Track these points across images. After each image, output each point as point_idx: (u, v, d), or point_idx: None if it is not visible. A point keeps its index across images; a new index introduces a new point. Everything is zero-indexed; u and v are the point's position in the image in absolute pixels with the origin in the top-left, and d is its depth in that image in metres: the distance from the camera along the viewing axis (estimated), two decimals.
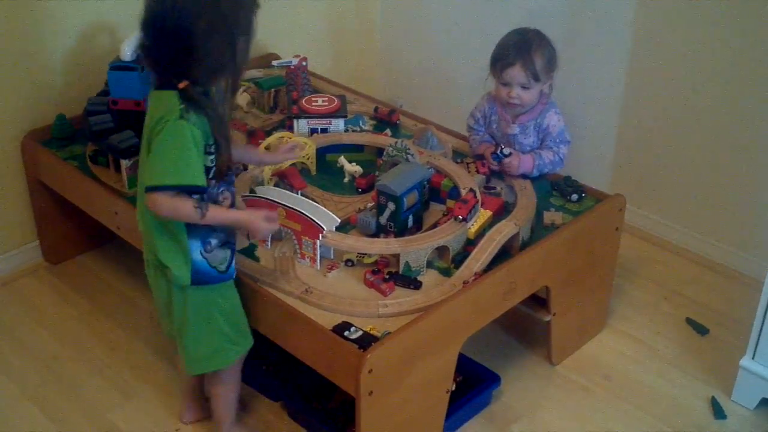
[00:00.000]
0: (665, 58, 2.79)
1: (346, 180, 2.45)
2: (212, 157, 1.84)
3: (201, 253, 1.89)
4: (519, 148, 2.48)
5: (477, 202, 2.21)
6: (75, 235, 2.85)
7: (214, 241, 1.90)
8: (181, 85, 1.79)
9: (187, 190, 1.80)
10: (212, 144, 1.83)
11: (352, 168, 2.45)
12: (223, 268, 1.93)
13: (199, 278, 1.90)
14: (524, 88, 2.39)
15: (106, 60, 2.49)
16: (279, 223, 2.03)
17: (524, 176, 2.42)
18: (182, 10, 1.74)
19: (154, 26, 1.79)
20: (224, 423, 2.15)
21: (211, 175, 1.86)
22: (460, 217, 2.14)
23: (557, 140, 2.45)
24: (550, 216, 2.29)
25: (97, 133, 2.45)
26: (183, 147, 1.77)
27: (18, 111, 2.68)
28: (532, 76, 2.36)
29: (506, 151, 2.39)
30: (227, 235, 1.94)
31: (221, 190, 1.90)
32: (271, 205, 2.09)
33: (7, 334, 2.57)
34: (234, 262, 1.97)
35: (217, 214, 1.85)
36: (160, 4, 1.78)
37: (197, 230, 1.87)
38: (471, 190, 2.24)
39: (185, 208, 1.79)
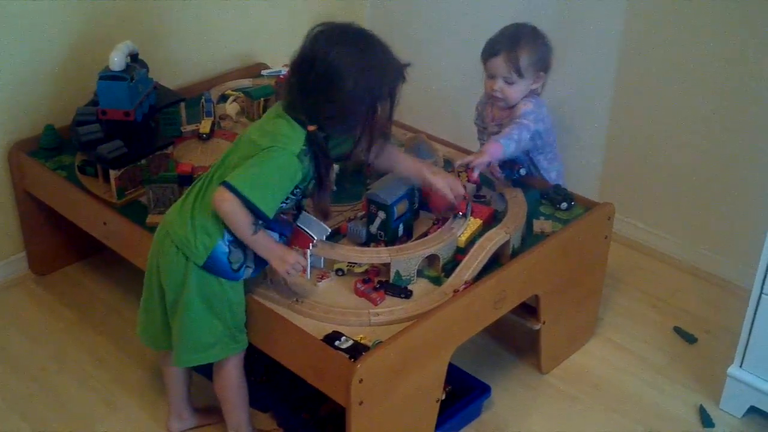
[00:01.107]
0: (654, 68, 2.81)
1: None
2: (293, 198, 1.93)
3: (228, 244, 1.92)
4: None
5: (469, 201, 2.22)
6: (62, 247, 2.84)
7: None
8: (310, 128, 1.88)
9: (254, 211, 1.85)
10: (303, 188, 1.94)
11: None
12: (236, 267, 1.94)
13: (213, 266, 1.92)
14: (508, 82, 2.36)
15: (95, 70, 2.48)
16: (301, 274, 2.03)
17: (511, 176, 2.41)
18: (333, 62, 1.82)
19: (302, 68, 1.87)
20: (241, 428, 2.13)
21: (287, 206, 1.94)
22: (460, 213, 2.14)
23: (520, 116, 2.34)
24: (540, 224, 2.29)
25: (86, 143, 2.44)
26: (281, 179, 1.87)
27: (6, 121, 2.66)
28: (515, 70, 2.33)
29: (522, 171, 2.39)
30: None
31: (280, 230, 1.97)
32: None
33: None
34: (245, 267, 1.97)
35: (262, 240, 1.91)
36: (314, 50, 1.85)
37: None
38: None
39: (243, 219, 1.86)
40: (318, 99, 1.86)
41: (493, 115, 2.47)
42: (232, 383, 2.07)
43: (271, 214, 1.86)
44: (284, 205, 1.92)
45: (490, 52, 2.37)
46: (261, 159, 1.85)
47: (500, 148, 2.27)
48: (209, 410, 2.27)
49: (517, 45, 2.33)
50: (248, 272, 1.98)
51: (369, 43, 1.89)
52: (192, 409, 2.24)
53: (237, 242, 1.92)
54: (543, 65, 2.38)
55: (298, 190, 1.93)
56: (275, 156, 1.85)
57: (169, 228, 1.96)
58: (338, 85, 1.83)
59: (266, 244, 1.92)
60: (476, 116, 2.57)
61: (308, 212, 2.16)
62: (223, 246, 1.91)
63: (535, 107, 2.38)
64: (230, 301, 1.97)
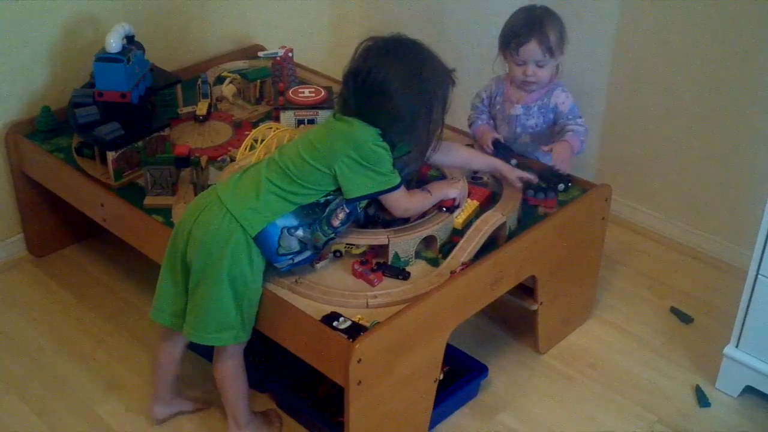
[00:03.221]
0: (650, 48, 2.81)
1: None
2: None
3: (284, 229, 1.93)
4: (522, 129, 2.49)
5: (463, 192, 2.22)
6: (60, 228, 2.84)
7: (300, 232, 1.95)
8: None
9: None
10: None
11: None
12: (282, 252, 1.94)
13: (263, 240, 1.92)
14: (539, 65, 2.40)
15: (91, 51, 2.48)
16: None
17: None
18: (388, 75, 1.94)
19: (356, 81, 1.97)
20: (240, 415, 2.10)
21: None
22: (445, 208, 2.15)
23: (570, 116, 2.48)
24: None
25: (83, 125, 2.44)
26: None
27: (2, 103, 2.66)
28: (548, 51, 2.38)
29: (513, 162, 2.40)
30: (312, 243, 1.98)
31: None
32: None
33: None
34: (290, 257, 1.97)
35: (433, 195, 2.14)
36: (367, 64, 1.96)
37: (303, 213, 1.95)
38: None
39: (417, 200, 2.09)
40: (375, 108, 1.95)
41: (518, 98, 2.49)
42: (233, 371, 2.06)
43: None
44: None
45: (519, 40, 2.39)
46: (368, 157, 1.94)
47: (580, 144, 2.45)
48: (195, 397, 2.26)
49: (544, 27, 2.38)
50: (287, 263, 1.98)
51: (418, 53, 2.00)
52: (178, 393, 2.22)
53: (294, 231, 1.94)
54: (565, 39, 2.43)
55: None
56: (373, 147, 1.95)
57: (221, 193, 1.95)
58: (394, 95, 1.93)
59: (435, 193, 2.12)
60: (484, 103, 2.56)
61: None
62: (277, 227, 1.92)
63: (568, 95, 2.49)
64: (252, 289, 1.96)
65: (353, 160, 1.93)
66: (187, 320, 2.01)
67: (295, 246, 1.95)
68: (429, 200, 2.11)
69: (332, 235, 2.01)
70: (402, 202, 2.05)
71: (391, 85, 1.92)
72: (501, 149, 2.43)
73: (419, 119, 1.98)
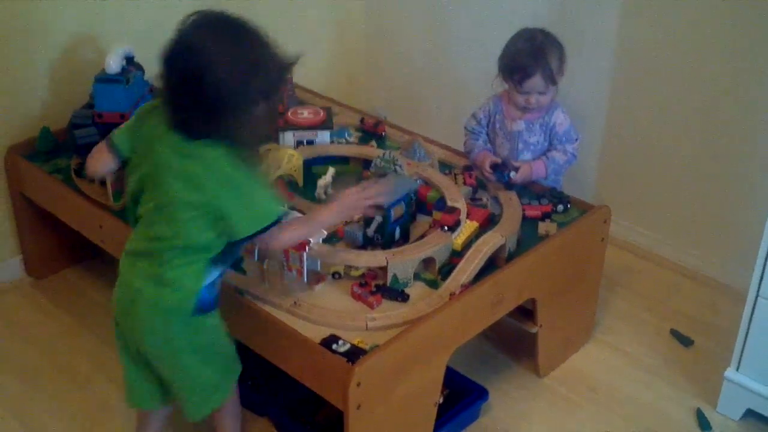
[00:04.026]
0: (649, 70, 2.82)
1: (316, 194, 2.43)
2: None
3: (214, 283, 1.85)
4: (523, 146, 2.50)
5: (461, 212, 2.22)
6: (59, 250, 2.83)
7: (224, 270, 1.88)
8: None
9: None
10: None
11: (322, 181, 2.43)
12: (215, 291, 1.88)
13: (201, 306, 1.82)
14: (541, 93, 2.42)
15: (90, 73, 2.48)
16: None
17: (501, 179, 2.44)
18: (199, 51, 1.67)
19: (170, 63, 1.74)
20: None
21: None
22: (447, 227, 2.15)
23: (563, 139, 2.49)
24: (545, 226, 2.30)
25: (82, 146, 2.44)
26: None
27: (1, 124, 2.66)
28: (550, 81, 2.40)
29: (512, 173, 2.41)
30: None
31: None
32: None
33: None
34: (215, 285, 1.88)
35: (323, 216, 1.94)
36: (180, 39, 1.73)
37: (224, 258, 1.82)
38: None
39: (298, 231, 1.87)
40: (185, 99, 1.70)
41: (519, 114, 2.50)
42: (228, 407, 2.02)
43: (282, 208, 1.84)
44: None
45: (524, 73, 2.39)
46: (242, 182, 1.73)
47: (545, 174, 2.46)
48: None
49: (546, 58, 2.38)
50: (217, 288, 1.88)
51: (243, 33, 1.73)
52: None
53: (214, 261, 1.81)
54: (564, 64, 2.44)
55: None
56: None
57: (136, 294, 1.81)
58: (205, 80, 1.64)
59: (329, 213, 1.93)
60: (482, 123, 2.56)
61: (304, 214, 2.16)
62: (206, 286, 1.82)
63: (566, 117, 2.50)
64: (218, 340, 1.89)
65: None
66: (182, 405, 1.93)
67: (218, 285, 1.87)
68: (320, 224, 1.92)
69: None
70: (284, 239, 1.85)
71: (203, 65, 1.65)
72: (499, 168, 2.43)
73: (233, 114, 1.70)
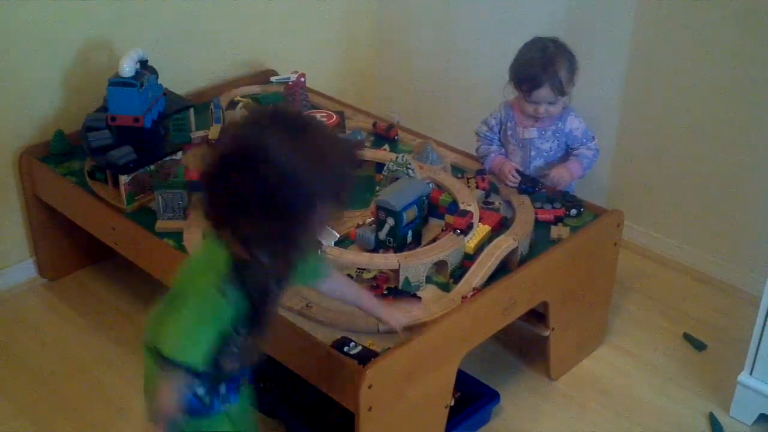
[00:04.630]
0: (662, 75, 2.81)
1: None
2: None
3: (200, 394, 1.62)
4: (536, 153, 2.50)
5: (474, 216, 2.22)
6: (72, 251, 2.84)
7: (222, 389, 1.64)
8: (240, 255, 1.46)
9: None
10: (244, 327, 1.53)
11: None
12: (207, 401, 1.63)
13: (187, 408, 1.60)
14: (550, 103, 2.42)
15: (104, 76, 2.50)
16: None
17: (527, 191, 2.45)
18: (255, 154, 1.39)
19: (221, 168, 1.45)
20: None
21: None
22: (459, 230, 2.15)
23: (584, 140, 2.50)
24: (557, 230, 2.29)
25: (96, 149, 2.45)
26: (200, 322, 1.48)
27: (16, 126, 2.68)
28: (559, 92, 2.40)
29: (540, 187, 2.44)
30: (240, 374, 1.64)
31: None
32: None
33: (2, 351, 2.55)
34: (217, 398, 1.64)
35: None
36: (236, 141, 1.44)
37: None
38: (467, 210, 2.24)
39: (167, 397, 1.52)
40: (232, 203, 1.43)
41: (531, 122, 2.50)
42: None
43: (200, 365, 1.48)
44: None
45: (532, 84, 2.40)
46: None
47: (582, 171, 2.48)
48: None
49: (555, 69, 2.38)
50: (228, 399, 1.65)
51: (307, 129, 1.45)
52: None
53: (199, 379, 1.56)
54: (575, 74, 2.43)
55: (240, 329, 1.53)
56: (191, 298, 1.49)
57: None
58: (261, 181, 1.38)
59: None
60: (494, 130, 2.55)
61: None
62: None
63: (581, 120, 2.51)
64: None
65: None
66: None
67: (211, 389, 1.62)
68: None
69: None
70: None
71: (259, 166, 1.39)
72: (526, 180, 2.43)
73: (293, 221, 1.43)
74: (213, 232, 1.49)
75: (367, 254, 2.13)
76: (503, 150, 2.56)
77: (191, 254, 1.63)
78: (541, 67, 2.38)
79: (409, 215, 2.16)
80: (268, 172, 1.37)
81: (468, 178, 2.48)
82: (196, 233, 2.27)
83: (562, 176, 2.44)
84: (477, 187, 2.44)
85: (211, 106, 2.81)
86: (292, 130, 1.41)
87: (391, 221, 2.13)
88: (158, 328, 1.51)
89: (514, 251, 2.17)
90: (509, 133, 2.54)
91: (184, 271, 1.58)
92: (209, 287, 1.46)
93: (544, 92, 2.39)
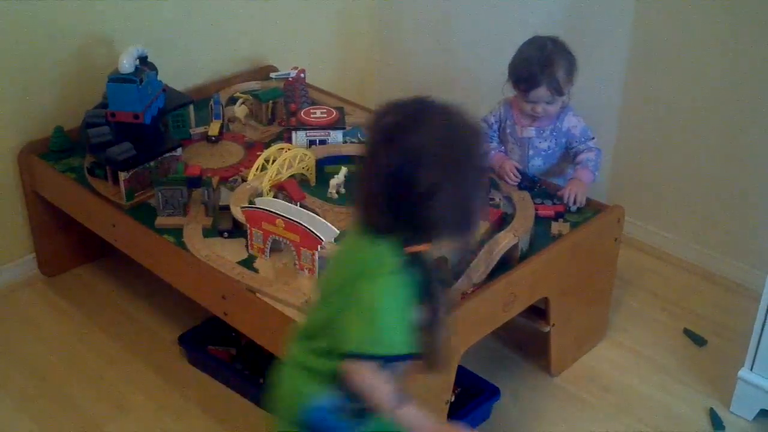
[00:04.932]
0: (662, 70, 2.81)
1: (328, 194, 2.43)
2: None
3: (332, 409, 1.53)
4: (534, 152, 2.49)
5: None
6: (72, 248, 2.84)
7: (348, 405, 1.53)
8: (416, 249, 1.44)
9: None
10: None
11: (334, 181, 2.44)
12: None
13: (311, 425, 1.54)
14: (548, 103, 2.41)
15: (104, 72, 2.49)
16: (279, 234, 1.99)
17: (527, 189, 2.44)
18: (413, 157, 1.37)
19: (383, 174, 1.39)
20: None
21: None
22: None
23: (582, 139, 2.49)
24: (557, 226, 2.29)
25: (96, 145, 2.45)
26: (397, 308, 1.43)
27: (15, 123, 2.67)
28: (557, 92, 2.39)
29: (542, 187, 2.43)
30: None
31: None
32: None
33: (2, 347, 2.55)
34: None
35: (410, 416, 1.46)
36: (387, 151, 1.39)
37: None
38: None
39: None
40: (403, 205, 1.40)
41: (529, 121, 2.48)
42: None
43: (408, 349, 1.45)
44: None
45: (529, 83, 2.39)
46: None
47: (593, 176, 2.45)
48: None
49: (553, 69, 2.36)
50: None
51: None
52: None
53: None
54: (573, 74, 2.42)
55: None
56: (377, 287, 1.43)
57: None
58: (422, 182, 1.37)
59: (418, 421, 1.47)
60: (493, 128, 2.55)
61: (317, 214, 2.17)
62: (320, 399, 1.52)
63: (579, 118, 2.50)
64: None
65: None
66: None
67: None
68: (415, 419, 1.48)
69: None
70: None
71: (418, 170, 1.37)
72: (526, 179, 2.43)
73: (456, 209, 1.44)
74: (372, 231, 1.44)
75: None
76: (503, 147, 2.56)
77: (340, 262, 1.53)
78: (538, 66, 2.37)
79: None
80: (451, 129, 1.41)
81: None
82: (195, 230, 2.27)
83: (577, 191, 2.37)
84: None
85: (211, 102, 2.81)
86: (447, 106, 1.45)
87: None
88: (338, 337, 1.45)
89: (514, 247, 2.17)
90: (508, 131, 2.53)
91: (339, 278, 1.51)
92: (391, 281, 1.42)
93: (542, 92, 2.38)
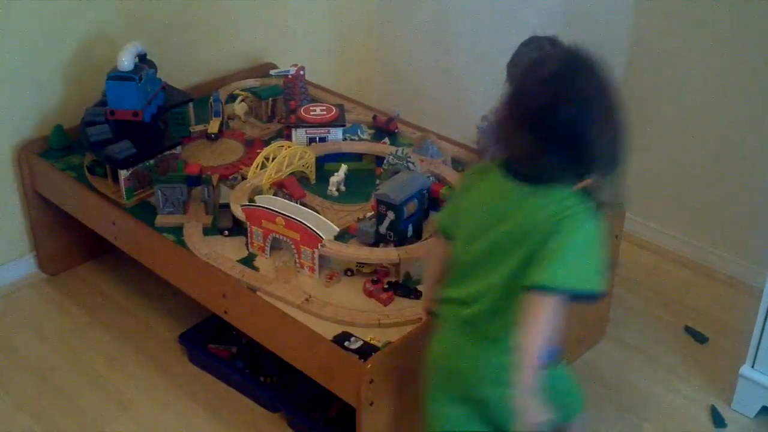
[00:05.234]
0: (661, 69, 2.80)
1: (328, 192, 2.43)
2: None
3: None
4: None
5: None
6: (72, 247, 2.84)
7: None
8: (582, 185, 1.54)
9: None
10: None
11: (334, 179, 2.44)
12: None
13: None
14: None
15: (103, 70, 2.49)
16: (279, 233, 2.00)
17: None
18: (571, 103, 1.47)
19: (544, 124, 1.48)
20: None
21: None
22: None
23: None
24: None
25: (95, 143, 2.44)
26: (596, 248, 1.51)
27: (15, 121, 2.67)
28: None
29: None
30: None
31: None
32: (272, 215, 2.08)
33: (3, 346, 2.55)
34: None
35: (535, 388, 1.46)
36: (547, 98, 1.48)
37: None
38: None
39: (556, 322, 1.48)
40: (571, 150, 1.50)
41: None
42: None
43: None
44: None
45: None
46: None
47: None
48: None
49: None
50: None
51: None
52: None
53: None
54: None
55: None
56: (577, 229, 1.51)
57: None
58: (588, 125, 1.49)
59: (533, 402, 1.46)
60: (488, 126, 2.54)
61: (317, 212, 2.17)
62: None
63: None
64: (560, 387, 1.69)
65: None
66: None
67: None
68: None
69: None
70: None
71: (582, 115, 1.49)
72: None
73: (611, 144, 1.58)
74: (536, 179, 1.52)
75: (368, 248, 2.12)
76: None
77: (503, 217, 1.56)
78: None
79: (409, 209, 2.15)
80: (603, 72, 1.55)
81: None
82: (196, 228, 2.27)
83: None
84: None
85: (211, 100, 2.80)
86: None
87: (391, 215, 2.12)
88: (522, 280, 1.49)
89: None
90: None
91: (514, 230, 1.54)
92: (588, 221, 1.51)
93: None
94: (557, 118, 1.47)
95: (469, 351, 1.64)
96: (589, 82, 1.52)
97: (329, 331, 1.92)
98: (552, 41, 2.39)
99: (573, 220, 1.50)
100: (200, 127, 2.72)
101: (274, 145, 2.44)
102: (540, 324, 1.46)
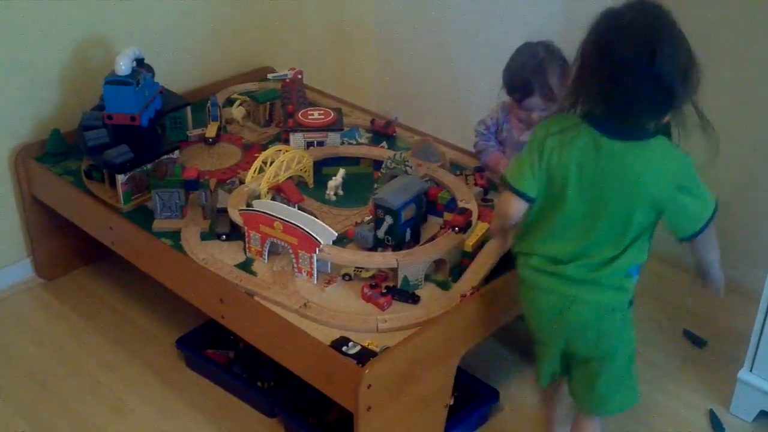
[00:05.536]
0: None
1: (326, 196, 2.43)
2: None
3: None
4: None
5: (472, 214, 2.21)
6: (69, 251, 2.83)
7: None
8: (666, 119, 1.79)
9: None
10: None
11: (332, 183, 2.44)
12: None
13: (632, 298, 1.91)
14: (542, 110, 2.40)
15: (101, 74, 2.48)
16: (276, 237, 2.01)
17: None
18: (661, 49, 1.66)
19: (640, 69, 1.67)
20: None
21: None
22: (458, 228, 2.14)
23: None
24: None
25: (93, 148, 2.44)
26: None
27: (12, 126, 2.66)
28: (550, 100, 2.36)
29: None
30: None
31: None
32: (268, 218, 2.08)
33: None
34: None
35: None
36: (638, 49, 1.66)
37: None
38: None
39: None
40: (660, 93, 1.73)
41: (525, 127, 2.47)
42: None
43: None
44: None
45: (522, 92, 2.36)
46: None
47: None
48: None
49: (546, 76, 2.32)
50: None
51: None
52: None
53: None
54: (567, 79, 2.39)
55: None
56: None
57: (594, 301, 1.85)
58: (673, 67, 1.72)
59: None
60: (491, 130, 2.54)
61: (315, 216, 2.16)
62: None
63: None
64: (633, 335, 1.95)
65: None
66: (596, 399, 1.96)
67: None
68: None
69: None
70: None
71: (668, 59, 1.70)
72: None
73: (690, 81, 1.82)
74: (634, 133, 1.75)
75: (366, 253, 2.12)
76: (501, 147, 2.55)
77: (642, 173, 1.79)
78: (530, 74, 2.34)
79: (407, 213, 2.15)
80: (677, 25, 1.74)
81: (467, 175, 2.47)
82: (193, 232, 2.27)
83: None
84: (476, 184, 2.43)
85: (209, 104, 2.80)
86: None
87: (389, 219, 2.12)
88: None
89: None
90: (505, 134, 2.52)
91: (623, 182, 1.76)
92: (685, 156, 1.86)
93: (535, 100, 2.36)
94: (657, 59, 1.63)
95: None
96: (666, 21, 1.69)
97: (327, 336, 1.92)
98: (546, 46, 2.40)
99: (682, 160, 1.84)
100: (198, 132, 2.72)
101: (272, 149, 2.43)
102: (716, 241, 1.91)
